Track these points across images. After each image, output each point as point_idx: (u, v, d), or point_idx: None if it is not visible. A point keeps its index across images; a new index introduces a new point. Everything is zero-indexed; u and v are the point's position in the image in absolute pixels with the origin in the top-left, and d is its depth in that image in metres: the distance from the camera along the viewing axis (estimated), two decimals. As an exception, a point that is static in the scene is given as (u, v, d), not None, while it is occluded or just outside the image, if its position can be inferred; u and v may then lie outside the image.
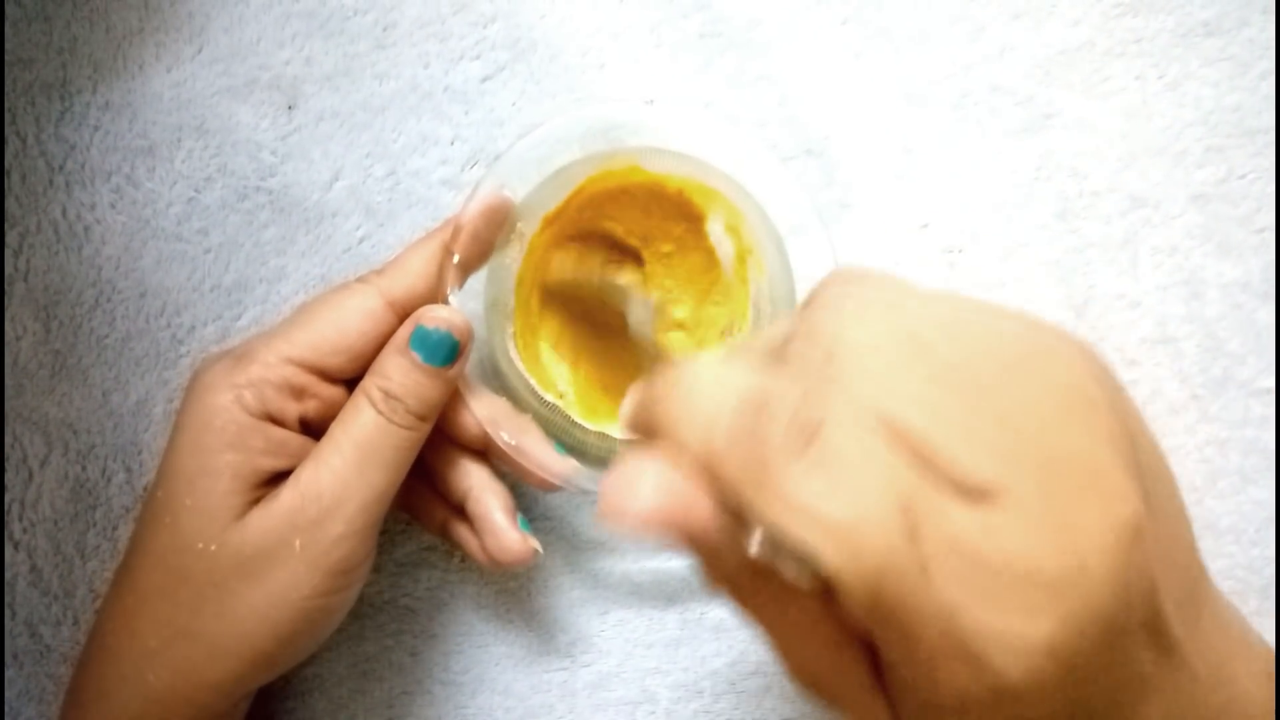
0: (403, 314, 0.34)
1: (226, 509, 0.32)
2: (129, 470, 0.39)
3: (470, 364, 0.35)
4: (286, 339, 0.34)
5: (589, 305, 0.38)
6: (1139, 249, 0.39)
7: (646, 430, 0.23)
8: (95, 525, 0.39)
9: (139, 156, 0.39)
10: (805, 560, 0.20)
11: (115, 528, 0.39)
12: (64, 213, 0.39)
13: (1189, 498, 0.28)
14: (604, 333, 0.38)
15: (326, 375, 0.34)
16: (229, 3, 0.39)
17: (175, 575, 0.33)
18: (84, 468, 0.39)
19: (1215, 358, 0.39)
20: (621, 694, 0.40)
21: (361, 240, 0.40)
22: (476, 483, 0.35)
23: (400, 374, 0.33)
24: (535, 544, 0.35)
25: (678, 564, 0.40)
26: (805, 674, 0.24)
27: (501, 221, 0.35)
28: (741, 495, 0.20)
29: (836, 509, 0.19)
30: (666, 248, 0.38)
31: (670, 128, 0.36)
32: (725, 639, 0.40)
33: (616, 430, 0.37)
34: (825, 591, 0.20)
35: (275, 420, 0.34)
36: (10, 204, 0.38)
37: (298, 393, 0.34)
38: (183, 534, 0.32)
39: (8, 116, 0.39)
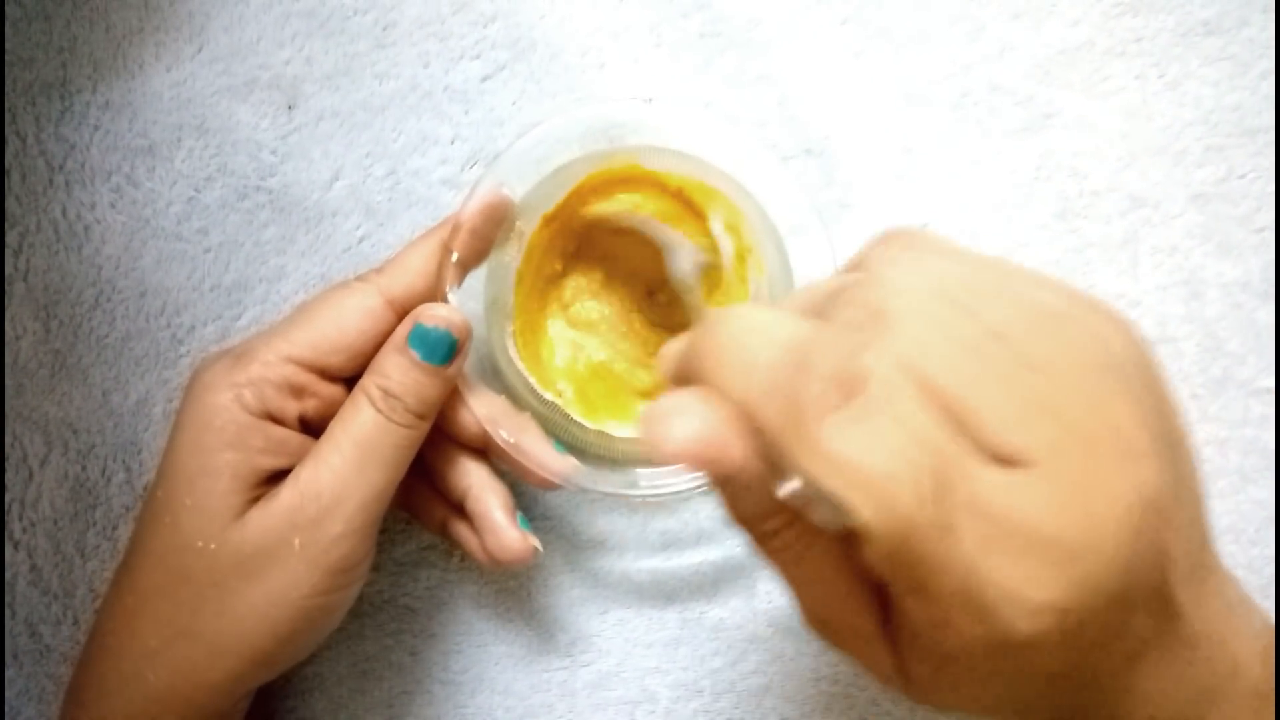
0: (402, 312, 0.34)
1: (226, 508, 0.32)
2: (129, 470, 0.39)
3: (470, 362, 0.35)
4: (286, 338, 0.34)
5: (619, 255, 0.38)
6: (1139, 249, 0.39)
7: (686, 377, 0.23)
8: (95, 525, 0.39)
9: (139, 156, 0.39)
10: (836, 509, 0.20)
11: (115, 527, 0.39)
12: (64, 212, 0.39)
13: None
14: (628, 293, 0.39)
15: (326, 374, 0.34)
16: (229, 2, 0.39)
17: (175, 574, 0.33)
18: (84, 467, 0.39)
19: (1215, 357, 0.39)
20: (621, 693, 0.40)
21: (361, 240, 0.40)
22: (476, 481, 0.35)
23: (399, 372, 0.33)
24: (535, 542, 0.35)
25: (678, 564, 0.40)
26: (817, 616, 0.25)
27: (501, 220, 0.35)
28: (778, 443, 0.21)
29: (872, 463, 0.20)
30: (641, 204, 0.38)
31: (670, 127, 0.36)
32: (725, 639, 0.40)
33: (616, 429, 0.37)
34: (847, 539, 0.21)
35: (275, 419, 0.34)
36: (10, 204, 0.38)
37: (297, 391, 0.34)
38: (183, 533, 0.32)
39: (8, 116, 0.39)
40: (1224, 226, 0.39)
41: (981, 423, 0.20)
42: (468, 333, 0.34)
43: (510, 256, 0.36)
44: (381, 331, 0.34)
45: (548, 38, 0.40)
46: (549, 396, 0.37)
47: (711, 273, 0.35)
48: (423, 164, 0.40)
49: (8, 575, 0.38)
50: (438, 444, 0.36)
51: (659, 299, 0.39)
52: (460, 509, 0.36)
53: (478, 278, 0.36)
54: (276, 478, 0.33)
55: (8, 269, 0.38)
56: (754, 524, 0.24)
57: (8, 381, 0.38)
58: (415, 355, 0.33)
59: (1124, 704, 0.23)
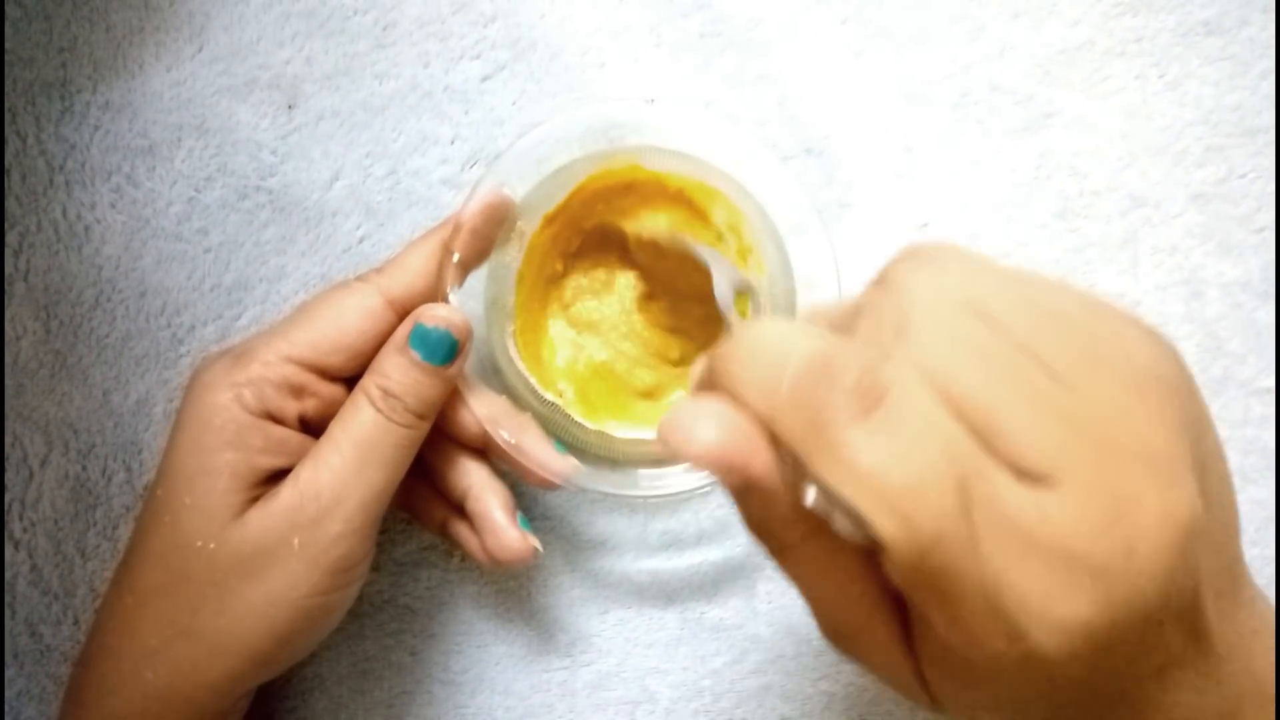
0: (402, 312, 0.34)
1: (226, 507, 0.32)
2: (129, 469, 0.39)
3: (470, 362, 0.35)
4: (286, 338, 0.34)
5: (658, 271, 0.38)
6: (1139, 248, 0.39)
7: (710, 387, 0.23)
8: (95, 525, 0.39)
9: (139, 156, 0.39)
10: (857, 522, 0.20)
11: (115, 527, 0.39)
12: (64, 212, 0.39)
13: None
14: (629, 295, 0.39)
15: (326, 374, 0.34)
16: (229, 2, 0.39)
17: (175, 574, 0.33)
18: (84, 467, 0.39)
19: (1215, 357, 0.39)
20: (621, 693, 0.40)
21: (361, 240, 0.40)
22: (476, 481, 0.35)
23: (399, 372, 0.33)
24: (535, 543, 0.35)
25: (678, 564, 0.40)
26: (837, 628, 0.24)
27: (501, 219, 0.35)
28: (800, 453, 0.21)
29: (894, 476, 0.20)
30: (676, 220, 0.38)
31: (670, 127, 0.36)
32: (725, 639, 0.40)
33: (617, 429, 0.37)
34: (870, 551, 0.21)
35: (275, 419, 0.34)
36: (10, 204, 0.38)
37: (297, 391, 0.34)
38: (182, 533, 0.32)
39: (8, 116, 0.39)
40: (1224, 226, 0.39)
41: (1007, 437, 0.20)
42: (468, 333, 0.34)
43: (511, 257, 0.36)
44: (381, 331, 0.34)
45: (548, 38, 0.40)
46: (549, 397, 0.37)
47: (747, 295, 0.35)
48: (423, 164, 0.40)
49: (8, 575, 0.38)
50: (438, 444, 0.36)
51: (659, 303, 0.39)
52: (460, 509, 0.36)
53: (478, 278, 0.36)
54: (276, 477, 0.33)
55: (8, 269, 0.38)
56: (773, 535, 0.24)
57: (8, 381, 0.38)
58: (416, 355, 0.33)
59: (1148, 719, 0.23)
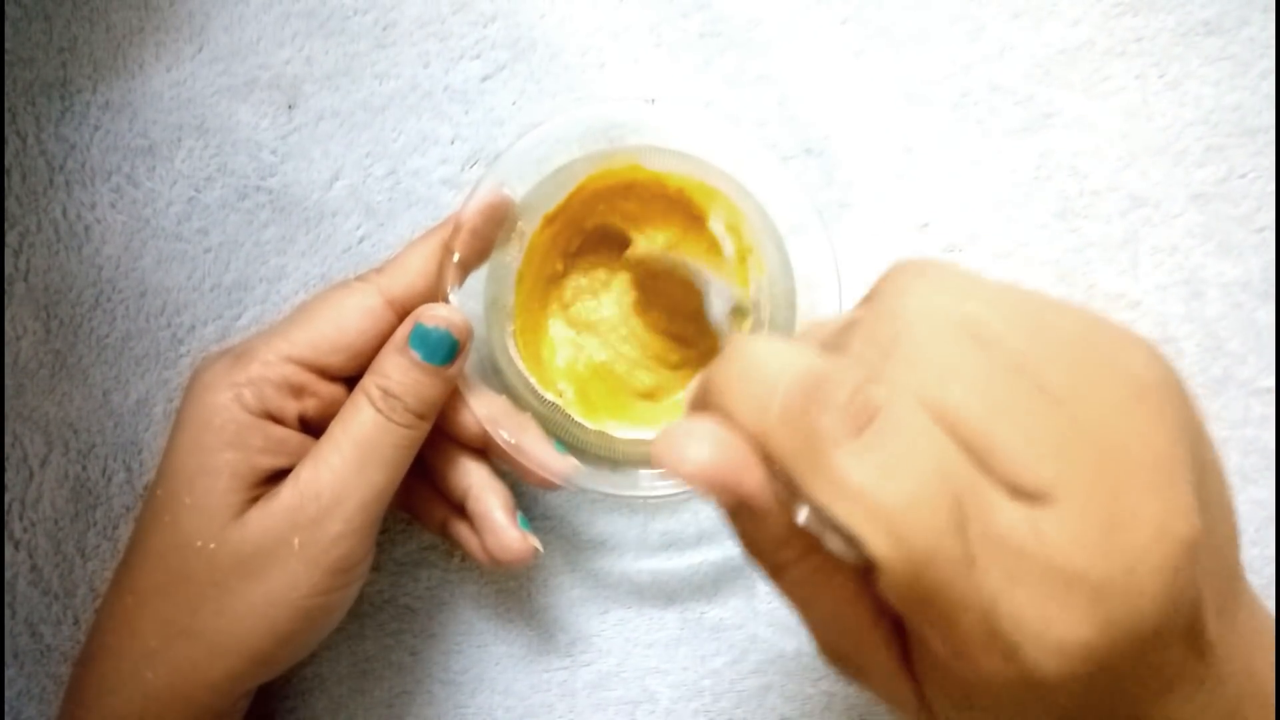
0: (402, 312, 0.34)
1: (226, 507, 0.32)
2: (129, 469, 0.39)
3: (470, 362, 0.35)
4: (286, 337, 0.34)
5: (651, 289, 0.38)
6: (1139, 248, 0.39)
7: (703, 407, 0.23)
8: (95, 525, 0.39)
9: (139, 156, 0.39)
10: (850, 541, 0.20)
11: (115, 527, 0.39)
12: (64, 212, 0.39)
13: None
14: (627, 299, 0.39)
15: (326, 373, 0.34)
16: (229, 2, 0.39)
17: (175, 574, 0.33)
18: (84, 467, 0.39)
19: (1215, 357, 0.39)
20: (621, 693, 0.40)
21: (361, 240, 0.40)
22: (476, 481, 0.35)
23: (399, 372, 0.33)
24: (535, 543, 0.35)
25: (678, 564, 0.40)
26: (835, 649, 0.24)
27: (502, 219, 0.35)
28: (792, 473, 0.21)
29: (887, 495, 0.19)
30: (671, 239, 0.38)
31: (670, 127, 0.36)
32: (725, 639, 0.40)
33: (617, 429, 0.37)
34: (865, 570, 0.21)
35: (275, 418, 0.34)
36: (10, 204, 0.38)
37: (297, 391, 0.34)
38: (182, 533, 0.32)
39: (8, 116, 0.39)
40: (1224, 226, 0.39)
41: (1000, 454, 0.20)
42: (468, 333, 0.34)
43: (511, 256, 0.36)
44: (381, 331, 0.34)
45: (548, 38, 0.40)
46: (549, 397, 0.37)
47: (741, 314, 0.35)
48: (423, 164, 0.40)
49: (8, 575, 0.38)
50: (438, 444, 0.36)
51: (655, 316, 0.39)
52: (461, 509, 0.36)
53: (478, 278, 0.36)
54: (276, 477, 0.33)
55: (8, 269, 0.38)
56: (767, 555, 0.23)
57: (8, 381, 0.38)
58: (416, 355, 0.33)
59: None
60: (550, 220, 0.37)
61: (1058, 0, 0.39)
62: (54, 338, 0.39)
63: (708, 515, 0.40)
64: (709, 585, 0.40)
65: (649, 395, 0.39)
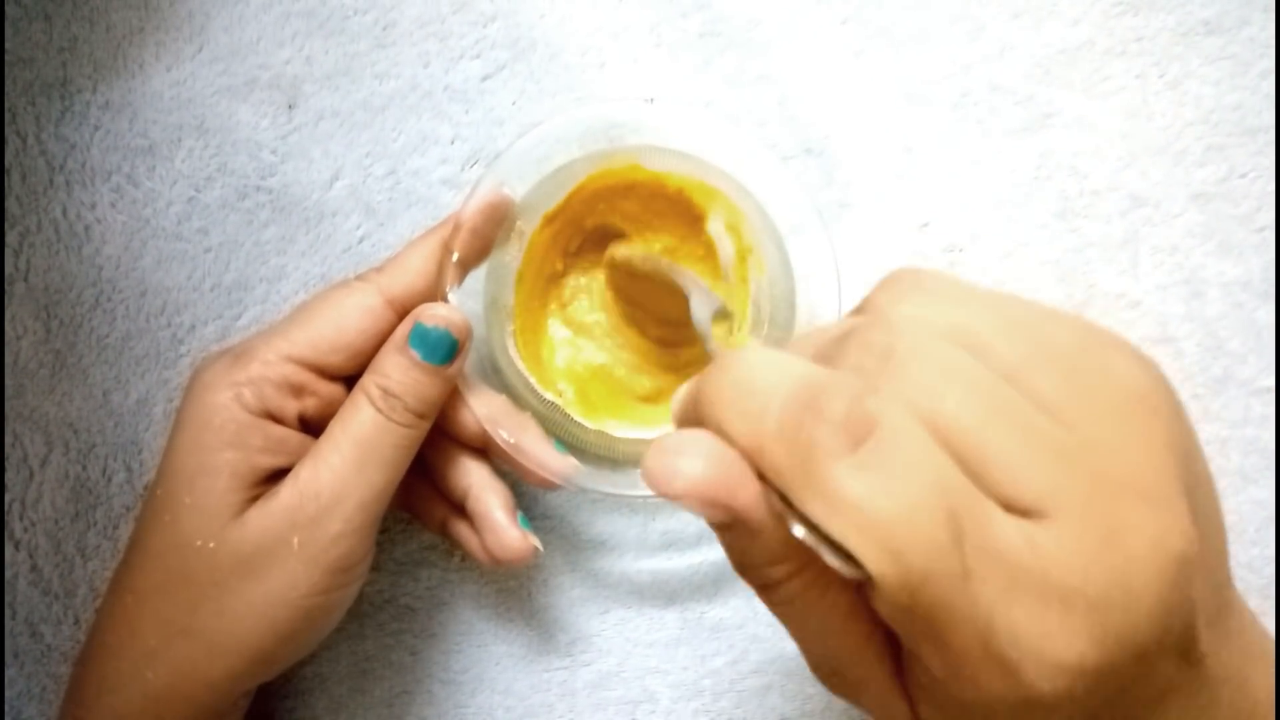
0: (402, 312, 0.34)
1: (225, 507, 0.32)
2: (129, 469, 0.39)
3: (470, 362, 0.35)
4: (286, 337, 0.34)
5: (636, 295, 0.38)
6: (1139, 248, 0.39)
7: (694, 420, 0.23)
8: (95, 524, 0.39)
9: (139, 156, 0.39)
10: (845, 557, 0.20)
11: (115, 527, 0.39)
12: (64, 212, 0.39)
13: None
14: (620, 308, 0.39)
15: (326, 373, 0.34)
16: (229, 2, 0.39)
17: (175, 573, 0.33)
18: (84, 467, 0.39)
19: (1215, 357, 0.39)
20: (621, 693, 0.40)
21: (361, 240, 0.40)
22: (476, 481, 0.35)
23: (399, 372, 0.33)
24: (535, 542, 0.35)
25: (678, 564, 0.40)
26: (827, 666, 0.24)
27: (501, 219, 0.35)
28: (786, 488, 0.20)
29: (883, 510, 0.19)
30: (667, 246, 0.38)
31: (670, 127, 0.36)
32: (725, 639, 0.40)
33: (616, 429, 0.37)
34: (860, 586, 0.20)
35: (274, 418, 0.34)
36: (10, 204, 0.38)
37: (297, 390, 0.34)
38: (182, 532, 0.32)
39: (8, 116, 0.39)
40: (1225, 226, 0.39)
41: (996, 469, 0.20)
42: (468, 332, 0.34)
43: (511, 256, 0.36)
44: (381, 331, 0.34)
45: (548, 37, 0.40)
46: (549, 396, 0.37)
47: (727, 320, 0.35)
48: (423, 164, 0.40)
49: (8, 575, 0.38)
50: (438, 443, 0.36)
51: (643, 324, 0.39)
52: (461, 509, 0.36)
53: (478, 277, 0.36)
54: (276, 477, 0.33)
55: (8, 269, 0.38)
56: (759, 572, 0.23)
57: (8, 381, 0.38)
58: (415, 355, 0.33)
59: None
60: (550, 220, 0.37)
61: (1058, 0, 0.39)
62: (54, 338, 0.39)
63: (708, 515, 0.40)
64: (709, 585, 0.40)
65: (650, 399, 0.39)
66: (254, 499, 0.33)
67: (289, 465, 0.33)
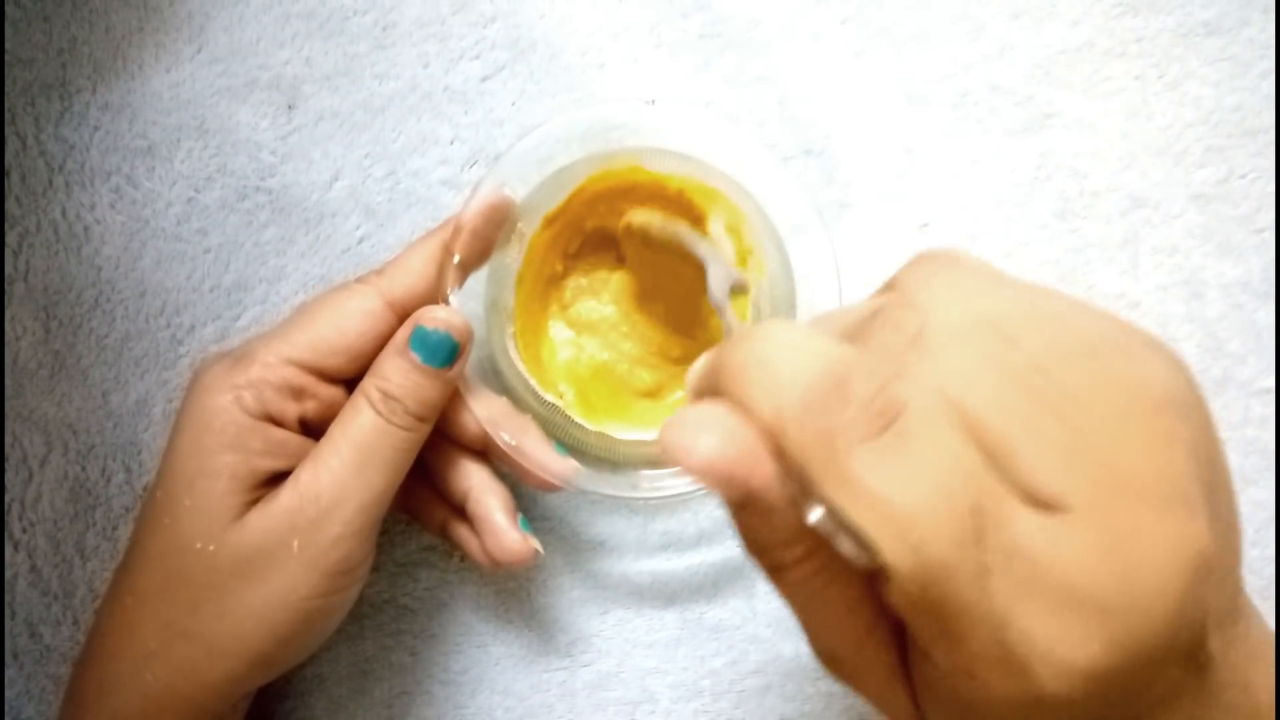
0: (402, 314, 0.34)
1: (225, 509, 0.32)
2: (128, 470, 0.39)
3: (470, 364, 0.35)
4: (286, 339, 0.34)
5: (649, 266, 0.38)
6: (1139, 249, 0.39)
7: (712, 391, 0.22)
8: (95, 525, 0.39)
9: (139, 156, 0.39)
10: (861, 546, 0.19)
11: (115, 528, 0.39)
12: (64, 213, 0.39)
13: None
14: (627, 295, 0.39)
15: (326, 376, 0.34)
16: (229, 3, 0.39)
17: (174, 576, 0.33)
18: (84, 468, 0.39)
19: (1215, 358, 0.39)
20: (621, 694, 0.40)
21: (361, 240, 0.40)
22: (477, 483, 0.35)
23: (399, 375, 0.33)
24: (536, 544, 0.35)
25: (678, 565, 0.40)
26: (831, 652, 0.24)
27: (502, 220, 0.35)
28: (806, 470, 0.20)
29: (904, 501, 0.19)
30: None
31: (671, 128, 0.36)
32: (725, 639, 0.40)
33: (617, 430, 0.37)
34: (871, 575, 0.20)
35: (274, 421, 0.33)
36: (10, 204, 0.38)
37: (297, 393, 0.34)
38: (182, 534, 0.32)
39: (8, 116, 0.39)
40: (1224, 227, 0.39)
41: (1019, 461, 0.20)
42: (468, 335, 0.34)
43: (511, 258, 0.36)
44: (381, 333, 0.34)
45: (548, 38, 0.40)
46: (550, 398, 0.37)
47: (743, 293, 0.35)
48: (422, 164, 0.40)
49: (8, 575, 0.38)
50: (438, 446, 0.36)
51: (655, 305, 0.39)
52: (461, 511, 0.36)
53: (479, 279, 0.36)
54: (276, 479, 0.33)
55: (8, 269, 0.38)
56: (770, 553, 0.23)
57: (8, 381, 0.38)
58: (416, 358, 0.33)
59: None
60: (550, 221, 0.37)
61: (1058, 0, 0.39)
62: (54, 338, 0.39)
63: (707, 516, 0.40)
64: (709, 585, 0.40)
65: (651, 394, 0.39)
66: (254, 502, 0.33)
67: (289, 468, 0.33)
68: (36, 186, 0.39)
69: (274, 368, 0.33)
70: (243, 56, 0.39)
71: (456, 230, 0.34)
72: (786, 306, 0.36)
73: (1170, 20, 0.39)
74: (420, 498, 0.37)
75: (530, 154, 0.35)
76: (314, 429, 0.34)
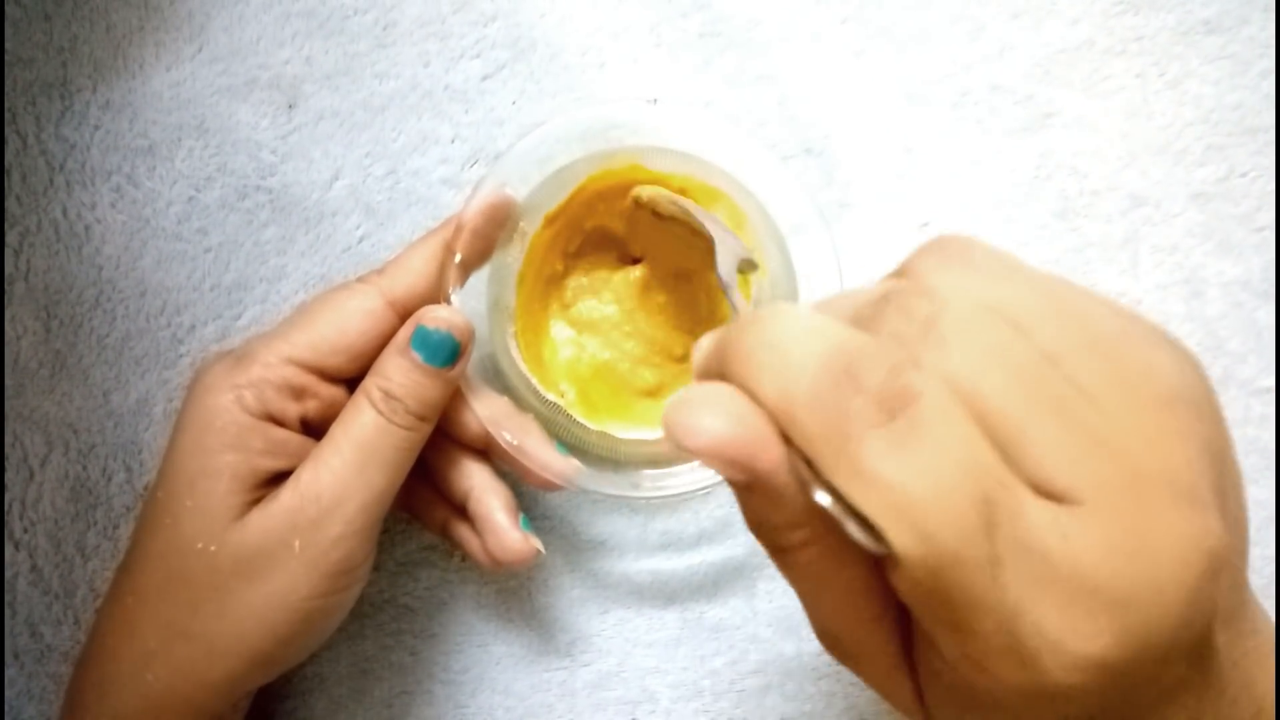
0: (404, 314, 0.34)
1: (226, 509, 0.32)
2: (129, 470, 0.39)
3: (472, 363, 0.35)
4: (287, 339, 0.34)
5: (656, 242, 0.38)
6: (1139, 248, 0.39)
7: (717, 372, 0.22)
8: (95, 525, 0.39)
9: (139, 156, 0.39)
10: (870, 533, 0.19)
11: (115, 527, 0.39)
12: (64, 212, 0.39)
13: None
14: (629, 292, 0.39)
15: (327, 375, 0.34)
16: (229, 2, 0.39)
17: (175, 575, 0.33)
18: (84, 467, 0.39)
19: (1215, 357, 0.39)
20: (621, 693, 0.40)
21: (361, 240, 0.40)
22: (478, 483, 0.35)
23: (401, 374, 0.33)
24: (537, 544, 0.35)
25: (678, 564, 0.40)
26: (833, 635, 0.23)
27: (504, 220, 0.35)
28: (814, 456, 0.20)
29: (915, 488, 0.19)
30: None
31: (671, 127, 0.36)
32: (725, 639, 0.40)
33: (619, 429, 0.37)
34: (879, 561, 0.20)
35: (276, 420, 0.33)
36: (10, 204, 0.38)
37: (298, 393, 0.34)
38: (183, 534, 0.32)
39: (8, 116, 0.39)
40: (1225, 225, 0.39)
41: (1031, 452, 0.19)
42: (470, 335, 0.33)
43: (512, 257, 0.36)
44: (383, 333, 0.34)
45: (548, 37, 0.40)
46: (551, 398, 0.37)
47: (751, 271, 0.34)
48: (423, 164, 0.40)
49: (8, 575, 0.38)
50: (440, 445, 0.36)
51: (660, 298, 0.39)
52: (462, 510, 0.36)
53: (480, 278, 0.36)
54: (277, 479, 0.33)
55: (8, 269, 0.38)
56: (775, 536, 0.22)
57: (8, 381, 0.38)
58: (417, 357, 0.33)
59: None
60: (551, 220, 0.37)
61: (1057, 0, 0.39)
62: (54, 338, 0.39)
63: (708, 515, 0.40)
64: (709, 585, 0.40)
65: (653, 393, 0.39)
66: (255, 501, 0.33)
67: (290, 468, 0.33)
68: (37, 186, 0.39)
69: (275, 367, 0.33)
70: (243, 56, 0.39)
71: (458, 229, 0.34)
72: (787, 305, 0.36)
73: (1170, 18, 0.39)
74: (421, 497, 0.37)
75: (531, 153, 0.35)
76: (315, 429, 0.34)
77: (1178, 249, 0.39)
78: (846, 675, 0.40)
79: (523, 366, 0.37)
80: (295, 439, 0.34)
